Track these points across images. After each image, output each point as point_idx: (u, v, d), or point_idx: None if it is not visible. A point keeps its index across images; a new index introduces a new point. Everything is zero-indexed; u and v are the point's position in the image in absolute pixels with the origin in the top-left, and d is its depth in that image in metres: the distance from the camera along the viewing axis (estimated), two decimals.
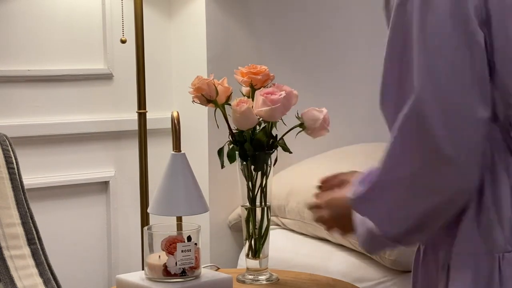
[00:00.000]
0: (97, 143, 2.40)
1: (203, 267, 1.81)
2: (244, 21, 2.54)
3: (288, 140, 1.92)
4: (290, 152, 1.94)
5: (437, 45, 1.18)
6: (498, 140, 1.24)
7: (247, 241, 1.94)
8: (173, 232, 1.79)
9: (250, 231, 1.92)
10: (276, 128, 1.91)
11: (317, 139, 1.99)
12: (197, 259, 1.74)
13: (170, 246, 1.71)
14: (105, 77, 2.41)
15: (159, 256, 1.73)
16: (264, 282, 1.91)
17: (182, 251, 1.71)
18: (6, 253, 1.83)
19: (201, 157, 2.46)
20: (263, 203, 1.92)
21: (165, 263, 1.72)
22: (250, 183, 1.91)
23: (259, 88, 1.91)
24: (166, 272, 1.72)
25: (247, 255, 1.94)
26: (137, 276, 1.78)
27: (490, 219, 1.23)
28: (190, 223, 1.84)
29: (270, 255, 1.96)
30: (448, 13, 1.18)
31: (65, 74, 2.33)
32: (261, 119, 1.87)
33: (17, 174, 1.93)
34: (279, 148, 1.93)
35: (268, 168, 1.91)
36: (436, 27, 1.18)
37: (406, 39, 1.21)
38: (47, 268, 1.89)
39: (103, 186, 2.41)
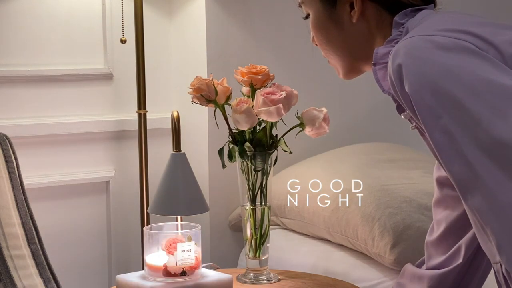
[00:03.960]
0: (97, 143, 2.39)
1: (202, 267, 1.81)
2: (244, 21, 2.54)
3: (288, 140, 1.92)
4: (290, 152, 1.94)
5: None
6: None
7: (247, 241, 1.94)
8: (173, 232, 1.78)
9: (250, 231, 1.92)
10: (276, 128, 1.91)
11: (317, 139, 1.99)
12: (197, 259, 1.74)
13: (170, 246, 1.71)
14: (105, 77, 2.41)
15: (159, 256, 1.73)
16: (264, 282, 1.91)
17: (182, 251, 1.71)
18: (6, 253, 1.83)
19: (201, 157, 2.46)
20: (263, 203, 1.92)
21: (165, 263, 1.72)
22: (250, 183, 1.91)
23: (259, 88, 1.91)
24: (166, 272, 1.72)
25: (247, 255, 1.94)
26: (137, 276, 1.78)
27: None
28: (190, 223, 1.84)
29: (270, 255, 1.96)
30: None
31: (65, 74, 2.32)
32: (261, 119, 1.87)
33: (17, 174, 1.93)
34: (279, 148, 1.93)
35: (268, 168, 1.91)
36: None
37: None
38: (47, 268, 1.89)
39: (103, 186, 2.41)
